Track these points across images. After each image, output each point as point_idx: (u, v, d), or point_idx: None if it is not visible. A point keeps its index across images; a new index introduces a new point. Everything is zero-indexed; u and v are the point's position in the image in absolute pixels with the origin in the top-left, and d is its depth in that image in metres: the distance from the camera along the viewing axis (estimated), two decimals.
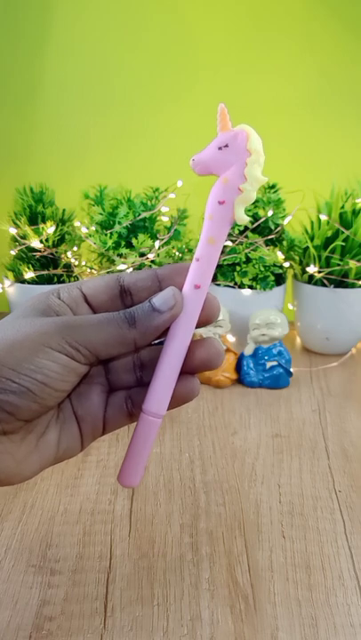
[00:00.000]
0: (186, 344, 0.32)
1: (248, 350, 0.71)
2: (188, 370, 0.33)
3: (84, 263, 0.80)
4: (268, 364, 0.70)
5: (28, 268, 0.76)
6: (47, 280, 0.77)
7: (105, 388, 0.35)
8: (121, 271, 0.75)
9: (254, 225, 0.76)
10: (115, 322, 0.30)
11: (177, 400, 0.33)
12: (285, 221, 0.77)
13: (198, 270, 0.32)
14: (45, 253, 0.76)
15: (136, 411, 0.34)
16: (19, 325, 0.29)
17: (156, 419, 0.33)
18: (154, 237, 0.75)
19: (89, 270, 0.80)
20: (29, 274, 0.76)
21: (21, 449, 0.30)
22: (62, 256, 0.77)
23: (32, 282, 0.77)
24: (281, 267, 0.78)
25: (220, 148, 0.32)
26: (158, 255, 0.73)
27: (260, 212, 0.76)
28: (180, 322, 0.32)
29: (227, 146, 0.32)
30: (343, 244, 0.74)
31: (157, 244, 0.73)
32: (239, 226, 0.75)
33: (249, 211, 0.76)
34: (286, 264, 0.78)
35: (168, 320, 0.31)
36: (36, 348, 0.28)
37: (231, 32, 0.85)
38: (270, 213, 0.76)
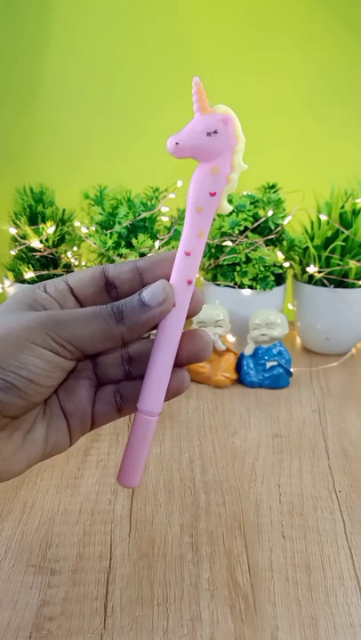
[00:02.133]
0: (177, 340, 0.31)
1: (248, 350, 0.71)
2: (177, 363, 0.32)
3: (83, 263, 0.80)
4: (268, 364, 0.70)
5: (28, 267, 0.76)
6: (47, 280, 0.77)
7: (93, 382, 0.34)
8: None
9: (254, 225, 0.76)
10: (101, 317, 0.29)
11: (167, 394, 0.32)
12: (285, 221, 0.77)
13: (190, 265, 0.31)
14: (45, 253, 0.76)
15: (125, 405, 0.34)
16: (4, 320, 0.29)
17: (152, 417, 0.32)
18: (154, 237, 0.75)
19: None
20: (29, 274, 0.76)
21: (8, 446, 0.30)
22: (62, 256, 0.77)
23: (32, 282, 0.77)
24: (281, 267, 0.78)
25: (208, 134, 0.29)
26: None
27: (260, 212, 0.76)
28: (172, 317, 0.31)
29: (216, 132, 0.29)
30: (343, 243, 0.74)
31: (157, 244, 0.73)
32: (239, 226, 0.75)
33: (249, 211, 0.76)
34: (286, 264, 0.78)
35: (158, 316, 0.30)
36: (20, 344, 0.28)
37: (231, 32, 0.85)
38: (270, 213, 0.76)
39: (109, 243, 0.74)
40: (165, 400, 0.33)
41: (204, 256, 0.79)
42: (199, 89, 0.29)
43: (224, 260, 0.76)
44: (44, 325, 0.28)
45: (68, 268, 0.78)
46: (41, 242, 0.75)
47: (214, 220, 0.78)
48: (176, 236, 0.77)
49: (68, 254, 0.78)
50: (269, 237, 0.77)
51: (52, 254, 0.77)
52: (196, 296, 0.32)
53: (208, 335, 0.33)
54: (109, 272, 0.32)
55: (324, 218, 0.75)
